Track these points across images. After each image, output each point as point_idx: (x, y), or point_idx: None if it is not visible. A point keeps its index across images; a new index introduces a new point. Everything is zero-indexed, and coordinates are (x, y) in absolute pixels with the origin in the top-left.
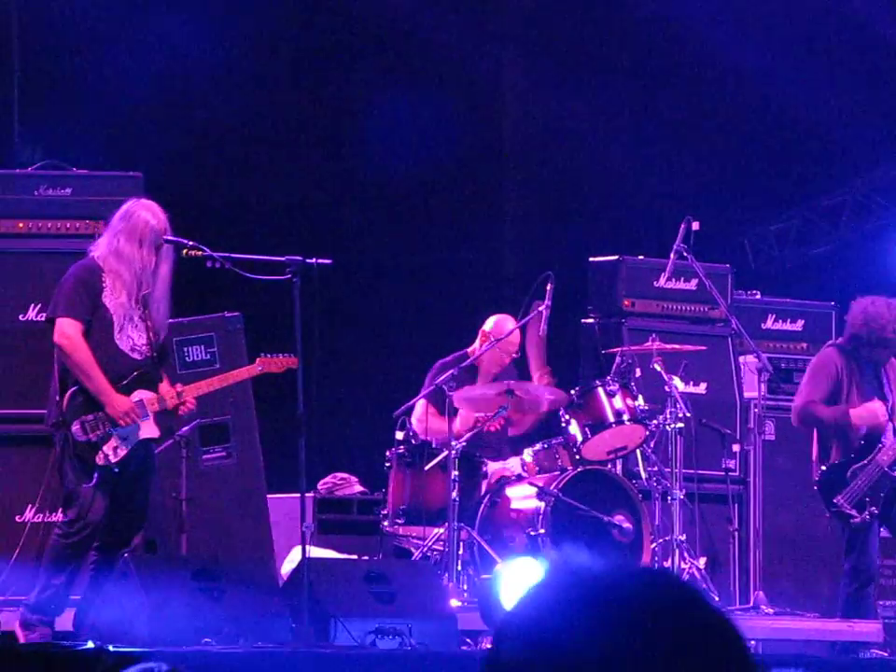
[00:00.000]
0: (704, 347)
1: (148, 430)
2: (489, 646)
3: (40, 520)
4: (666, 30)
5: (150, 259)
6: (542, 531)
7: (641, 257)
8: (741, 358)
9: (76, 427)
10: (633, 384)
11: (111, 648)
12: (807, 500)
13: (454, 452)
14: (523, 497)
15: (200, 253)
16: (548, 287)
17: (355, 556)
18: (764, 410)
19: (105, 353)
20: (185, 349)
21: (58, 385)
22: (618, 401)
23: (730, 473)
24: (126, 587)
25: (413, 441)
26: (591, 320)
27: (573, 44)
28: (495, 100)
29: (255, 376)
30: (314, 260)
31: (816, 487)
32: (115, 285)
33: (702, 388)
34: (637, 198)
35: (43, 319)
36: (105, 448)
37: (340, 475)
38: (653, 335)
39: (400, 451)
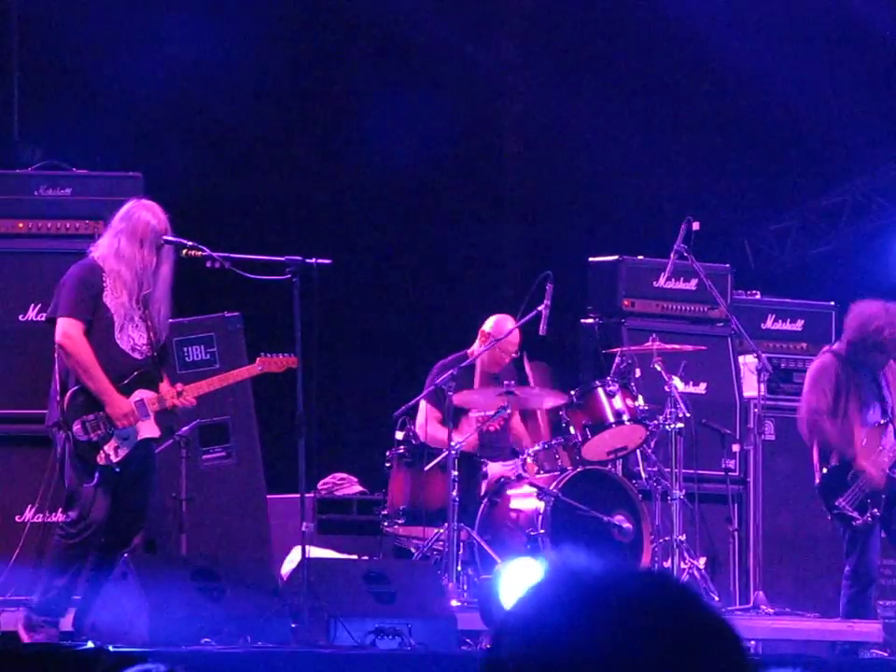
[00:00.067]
0: (704, 347)
1: (149, 430)
2: (488, 645)
3: (40, 520)
4: (667, 30)
5: (151, 260)
6: (542, 531)
7: (641, 257)
8: (741, 358)
9: (77, 427)
10: (633, 384)
11: (111, 648)
12: (807, 500)
13: (453, 452)
14: (523, 498)
15: (200, 253)
16: (547, 287)
17: (354, 556)
18: (764, 410)
19: (106, 352)
20: (185, 349)
21: (58, 385)
22: (618, 402)
23: (730, 473)
24: (126, 587)
25: (413, 442)
26: (591, 320)
27: (573, 44)
28: (495, 100)
29: (255, 376)
30: (313, 260)
31: (817, 490)
32: (115, 285)
33: (702, 388)
34: (637, 198)
35: (43, 319)
36: (106, 448)
37: (340, 475)
38: (653, 335)
39: (400, 451)
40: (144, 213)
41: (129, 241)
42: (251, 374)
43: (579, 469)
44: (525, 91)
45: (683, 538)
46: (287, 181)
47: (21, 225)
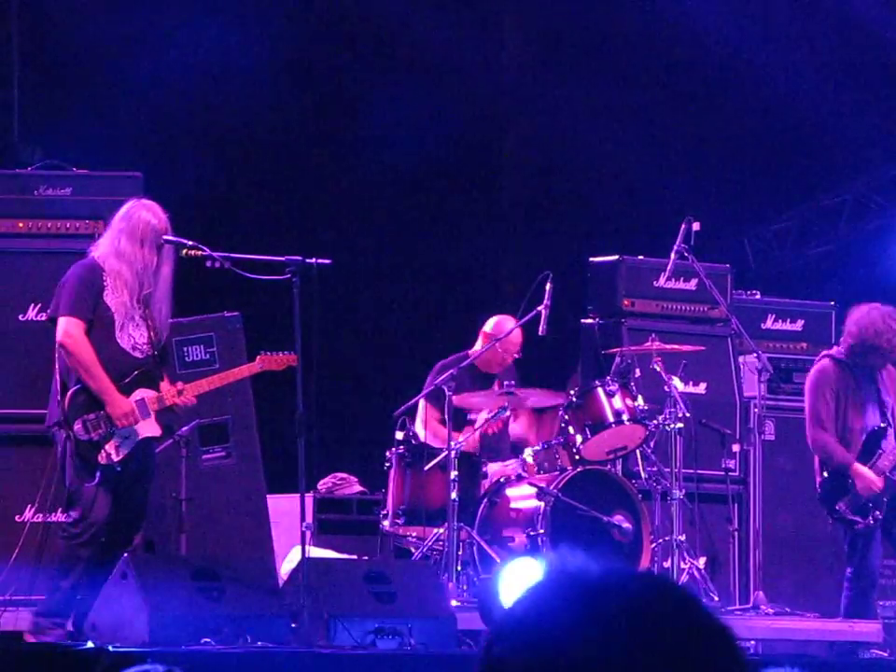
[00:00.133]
0: (703, 347)
1: (150, 429)
2: (484, 645)
3: (40, 520)
4: (667, 30)
5: (151, 259)
6: (542, 531)
7: (641, 257)
8: (741, 358)
9: (77, 427)
10: (632, 384)
11: (110, 648)
12: (807, 500)
13: (453, 452)
14: (522, 497)
15: (200, 253)
16: (547, 287)
17: (354, 556)
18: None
19: (107, 351)
20: (184, 349)
21: (59, 385)
22: (617, 401)
23: (730, 473)
24: (125, 587)
25: (413, 441)
26: (590, 320)
27: (573, 44)
28: (495, 100)
29: (255, 374)
30: (313, 260)
31: (818, 494)
32: (116, 284)
33: (702, 388)
34: (636, 198)
35: (43, 319)
36: (106, 447)
37: (339, 475)
38: (653, 335)
39: (400, 451)
40: (144, 212)
41: (129, 240)
42: (251, 372)
43: (578, 469)
44: (525, 91)
45: (683, 538)
46: (287, 181)
47: (21, 225)
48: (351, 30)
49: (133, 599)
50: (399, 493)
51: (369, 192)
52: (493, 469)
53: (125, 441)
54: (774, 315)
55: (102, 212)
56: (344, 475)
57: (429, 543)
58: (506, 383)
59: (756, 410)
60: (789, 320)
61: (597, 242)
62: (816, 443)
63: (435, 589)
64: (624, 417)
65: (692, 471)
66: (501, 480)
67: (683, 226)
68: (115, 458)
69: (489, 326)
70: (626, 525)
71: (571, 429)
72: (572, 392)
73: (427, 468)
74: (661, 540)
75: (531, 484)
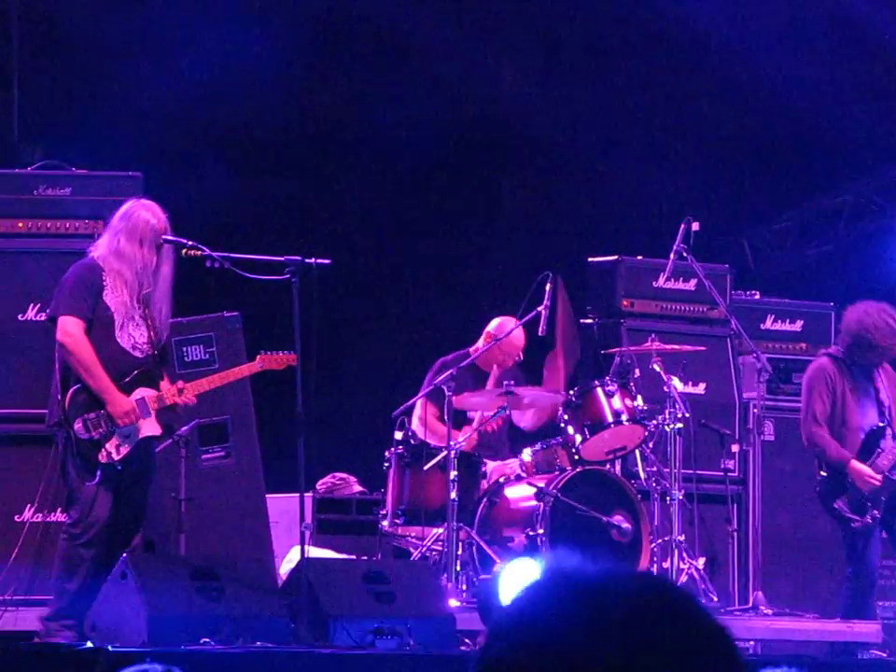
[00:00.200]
0: (703, 347)
1: (150, 428)
2: (482, 645)
3: (39, 520)
4: (667, 30)
5: (151, 259)
6: (541, 531)
7: (640, 257)
8: (740, 359)
9: (78, 426)
10: (632, 384)
11: (110, 648)
12: (806, 501)
13: (453, 452)
14: (522, 498)
15: (199, 253)
16: (547, 288)
17: (353, 556)
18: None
19: (107, 351)
20: (184, 349)
21: (59, 384)
22: (617, 402)
23: (729, 474)
24: (125, 587)
25: (412, 441)
26: (590, 320)
27: (573, 44)
28: (494, 101)
29: (255, 374)
30: (313, 260)
31: (816, 492)
32: (116, 284)
33: (701, 389)
34: (636, 198)
35: (42, 319)
36: (107, 446)
37: (339, 475)
38: (652, 335)
39: (399, 451)
40: (143, 212)
41: (128, 240)
42: (251, 372)
43: (578, 469)
44: (524, 91)
45: (682, 538)
46: (287, 181)
47: (20, 224)
48: (350, 32)
49: (132, 599)
50: (399, 493)
51: (368, 192)
52: (492, 468)
53: (126, 439)
54: (773, 316)
55: (101, 212)
56: (344, 475)
57: (428, 543)
58: (505, 382)
59: (755, 410)
60: (788, 321)
61: (597, 242)
62: (811, 439)
63: (434, 589)
64: (624, 417)
65: (691, 472)
66: (500, 480)
67: (682, 226)
68: (115, 457)
69: (492, 326)
70: (625, 525)
71: (570, 429)
72: (572, 392)
73: (426, 468)
74: (660, 541)
75: (530, 484)
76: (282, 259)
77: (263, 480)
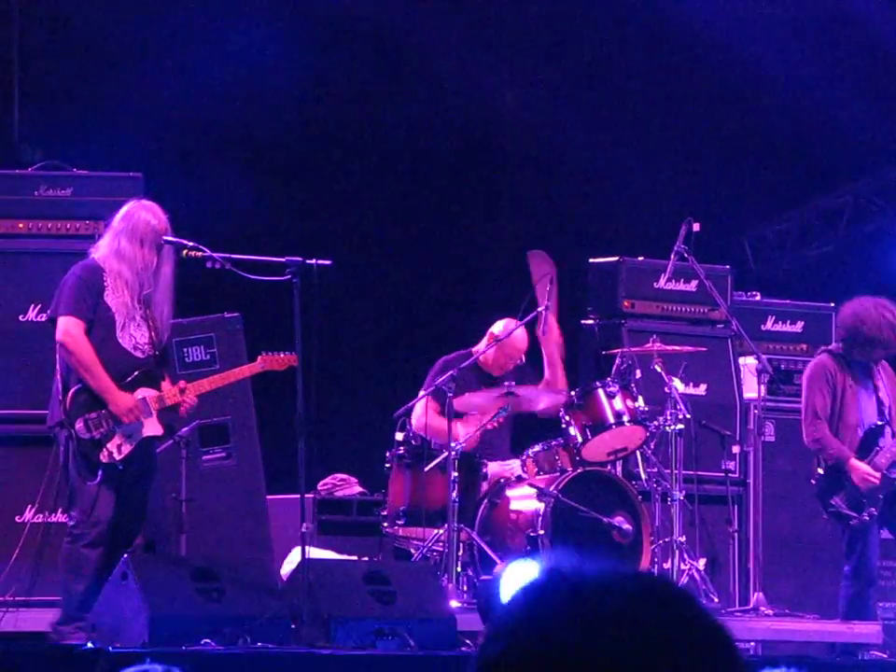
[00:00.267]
0: (704, 348)
1: (152, 428)
2: (482, 646)
3: (40, 520)
4: (667, 31)
5: (151, 260)
6: (542, 532)
7: (641, 258)
8: (741, 360)
9: (79, 425)
10: (633, 385)
11: (110, 648)
12: (807, 502)
13: (453, 453)
14: (522, 498)
15: (200, 254)
16: (548, 288)
17: (354, 557)
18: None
19: (108, 351)
20: (184, 350)
21: (60, 385)
22: (618, 402)
23: (730, 474)
24: (125, 587)
25: (413, 442)
26: (591, 321)
27: (573, 45)
28: (495, 101)
29: (256, 374)
30: (313, 261)
31: (814, 489)
32: (116, 284)
33: (702, 390)
34: (637, 199)
35: (43, 320)
36: (108, 445)
37: (339, 476)
38: (653, 336)
39: (400, 452)
40: (144, 213)
41: (129, 241)
42: (253, 372)
43: (579, 470)
44: (525, 92)
45: (683, 539)
46: (287, 181)
47: (21, 225)
48: (348, 32)
49: (132, 600)
50: (400, 494)
51: (369, 193)
52: (493, 469)
53: (128, 439)
54: (774, 317)
55: (102, 213)
56: (345, 476)
57: (429, 544)
58: (506, 383)
59: (756, 411)
60: (789, 321)
61: (597, 243)
62: (811, 436)
63: (435, 590)
64: (625, 418)
65: (692, 472)
66: (501, 481)
67: (683, 227)
68: (117, 457)
69: (497, 327)
70: (626, 526)
71: (572, 430)
72: (573, 393)
73: (427, 469)
74: (661, 542)
75: (531, 485)
76: (283, 259)
77: (264, 481)
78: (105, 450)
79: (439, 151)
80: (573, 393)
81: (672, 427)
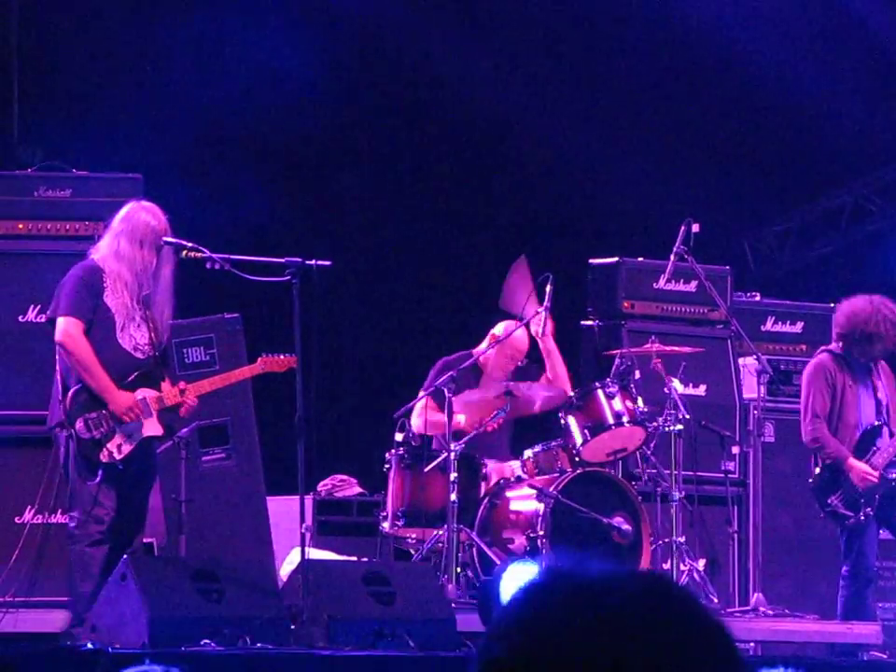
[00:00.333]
0: (703, 349)
1: (152, 428)
2: (483, 647)
3: (40, 521)
4: (666, 32)
5: (151, 261)
6: (542, 533)
7: (641, 259)
8: (740, 360)
9: (79, 425)
10: (632, 385)
11: (110, 649)
12: (806, 502)
13: (453, 453)
14: (522, 499)
15: (199, 254)
16: (547, 289)
17: (354, 558)
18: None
19: (108, 352)
20: (184, 350)
21: (60, 386)
22: (617, 403)
23: (729, 475)
24: (125, 588)
25: (413, 443)
26: (590, 322)
27: (572, 46)
28: (495, 102)
29: (256, 376)
30: (313, 262)
31: (811, 488)
32: (116, 285)
33: (701, 390)
34: (636, 200)
35: (42, 320)
36: (108, 445)
37: (339, 477)
38: (653, 337)
39: (400, 452)
40: (143, 214)
41: (129, 242)
42: (253, 374)
43: (578, 471)
44: (524, 93)
45: (683, 539)
46: (287, 182)
47: (20, 226)
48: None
49: (132, 600)
50: (399, 494)
51: (369, 194)
52: (492, 470)
53: (128, 439)
54: (774, 317)
55: (102, 213)
56: (344, 477)
57: (429, 545)
58: (504, 383)
59: (756, 412)
60: (788, 322)
61: (597, 243)
62: (809, 435)
63: (435, 591)
64: (624, 419)
65: (691, 473)
66: (501, 482)
67: (683, 228)
68: (117, 457)
69: (498, 328)
70: (626, 526)
71: (571, 431)
72: (572, 393)
73: (426, 469)
74: (660, 542)
75: (531, 486)
76: (282, 260)
77: (264, 481)
78: (105, 450)
79: (438, 151)
80: (573, 394)
81: (671, 427)
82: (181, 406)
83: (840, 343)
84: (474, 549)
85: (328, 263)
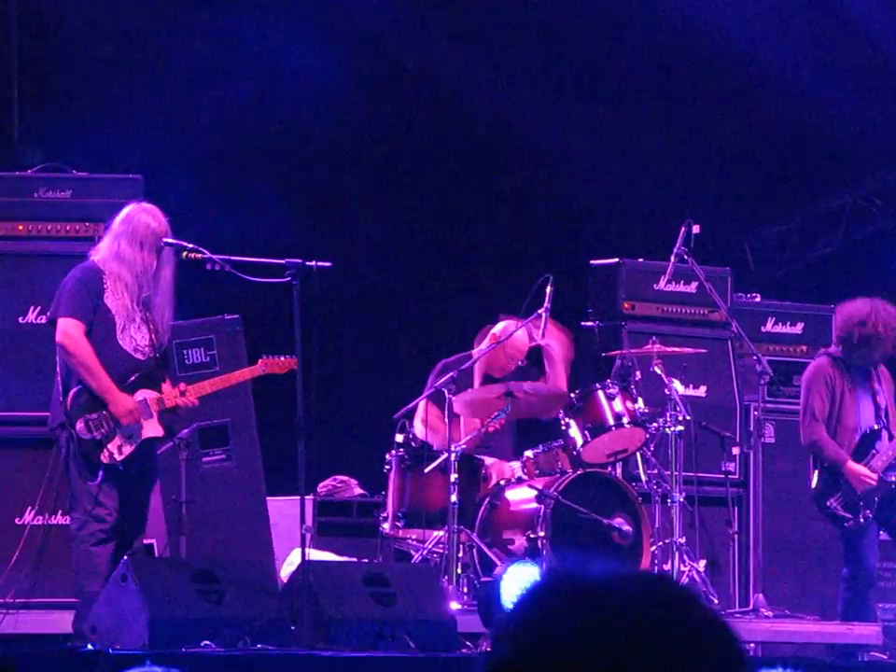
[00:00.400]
0: (704, 350)
1: (152, 429)
2: (488, 648)
3: (40, 523)
4: (666, 33)
5: (151, 262)
6: (542, 534)
7: (641, 260)
8: (741, 361)
9: (80, 426)
10: (633, 386)
11: (110, 650)
12: (807, 503)
13: (453, 454)
14: (522, 500)
15: (200, 256)
16: (547, 290)
17: (354, 559)
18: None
19: (108, 353)
20: (184, 352)
21: (60, 387)
22: (618, 404)
23: (729, 476)
24: (125, 589)
25: (413, 444)
26: (591, 323)
27: (573, 47)
28: (496, 102)
29: (256, 377)
30: (313, 263)
31: (811, 491)
32: (116, 287)
33: (702, 391)
34: (637, 201)
35: (43, 322)
36: (109, 446)
37: (339, 478)
38: (653, 338)
39: (400, 453)
40: (144, 216)
41: (129, 244)
42: (253, 375)
43: (578, 472)
44: (524, 93)
45: (683, 540)
46: (287, 183)
47: (20, 227)
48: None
49: (132, 602)
50: (399, 495)
51: (369, 195)
52: (493, 471)
53: (128, 440)
54: (774, 318)
55: (102, 215)
56: (344, 478)
57: (429, 546)
58: (505, 384)
59: (756, 413)
60: (789, 323)
61: (597, 245)
62: (808, 438)
63: (435, 592)
64: (625, 420)
65: (692, 474)
66: (501, 482)
67: (683, 229)
68: (118, 457)
69: (498, 328)
70: (626, 527)
71: (572, 432)
72: (573, 394)
73: (426, 470)
74: (661, 543)
75: (531, 487)
76: (282, 261)
77: (264, 482)
78: (105, 450)
79: (438, 152)
80: (573, 395)
81: (672, 428)
82: (181, 407)
83: (840, 347)
84: (475, 550)
85: (328, 264)
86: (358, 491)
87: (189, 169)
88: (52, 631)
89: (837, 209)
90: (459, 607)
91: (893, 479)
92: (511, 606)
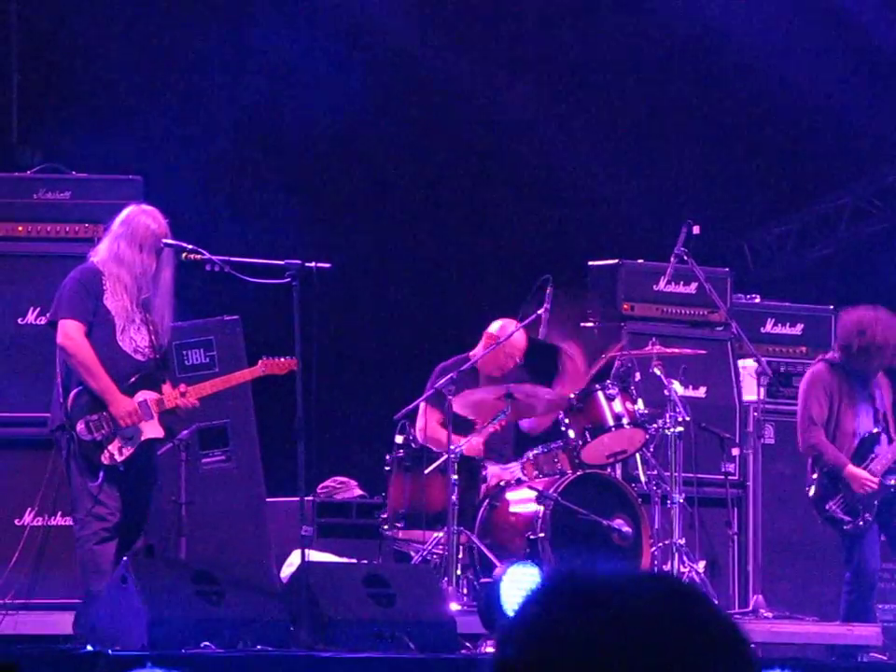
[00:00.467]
0: (703, 351)
1: (153, 431)
2: (494, 651)
3: (40, 523)
4: (666, 34)
5: (151, 264)
6: (542, 535)
7: (641, 260)
8: (740, 362)
9: (80, 427)
10: (632, 387)
11: (110, 652)
12: (806, 504)
13: (453, 455)
14: (522, 501)
15: (199, 257)
16: (547, 291)
17: (354, 560)
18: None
19: (109, 354)
20: (184, 353)
21: (61, 388)
22: (617, 405)
23: (729, 477)
24: (125, 591)
25: (413, 445)
26: (590, 324)
27: (572, 48)
28: (495, 105)
29: (256, 378)
30: (313, 264)
31: (809, 495)
32: (116, 288)
33: (701, 392)
34: (636, 202)
35: (42, 323)
36: (109, 447)
37: (339, 479)
38: (653, 339)
39: (400, 454)
40: (143, 217)
41: (128, 245)
42: (253, 376)
43: (578, 473)
44: (524, 96)
45: (682, 541)
46: (286, 183)
47: (20, 228)
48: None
49: (132, 603)
50: (399, 497)
51: (369, 196)
52: (492, 472)
53: (128, 441)
54: (773, 319)
55: (101, 216)
56: (344, 479)
57: (429, 547)
58: (505, 385)
59: (755, 414)
60: (788, 324)
61: (597, 245)
62: (807, 443)
63: (435, 593)
64: (624, 421)
65: (691, 475)
66: (501, 483)
67: (683, 230)
68: (118, 458)
69: (494, 328)
70: (626, 528)
71: (571, 433)
72: (572, 395)
73: (426, 471)
74: (660, 544)
75: (531, 488)
76: (282, 262)
77: (264, 483)
78: (105, 451)
79: (438, 155)
80: (573, 396)
81: (671, 429)
82: (181, 408)
83: (840, 354)
84: (474, 551)
85: (328, 265)
86: (358, 492)
87: (189, 170)
88: (52, 632)
89: (836, 210)
90: (459, 608)
91: (893, 482)
92: (514, 608)
